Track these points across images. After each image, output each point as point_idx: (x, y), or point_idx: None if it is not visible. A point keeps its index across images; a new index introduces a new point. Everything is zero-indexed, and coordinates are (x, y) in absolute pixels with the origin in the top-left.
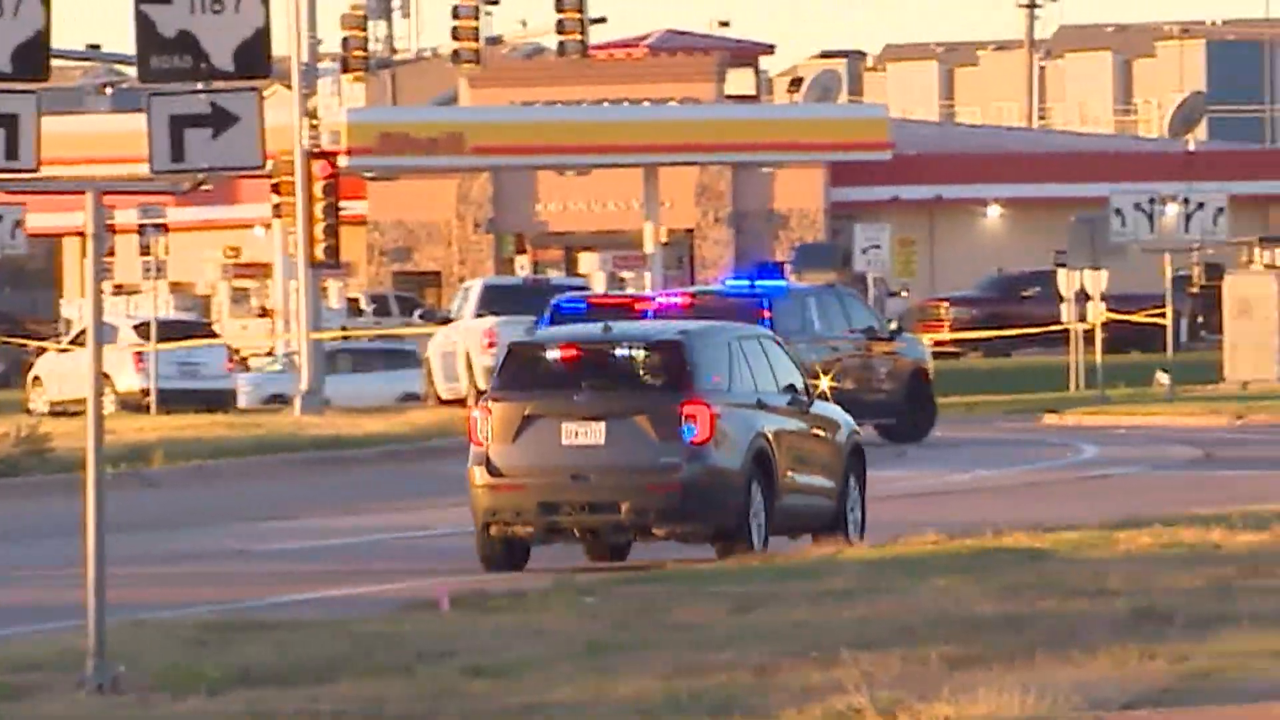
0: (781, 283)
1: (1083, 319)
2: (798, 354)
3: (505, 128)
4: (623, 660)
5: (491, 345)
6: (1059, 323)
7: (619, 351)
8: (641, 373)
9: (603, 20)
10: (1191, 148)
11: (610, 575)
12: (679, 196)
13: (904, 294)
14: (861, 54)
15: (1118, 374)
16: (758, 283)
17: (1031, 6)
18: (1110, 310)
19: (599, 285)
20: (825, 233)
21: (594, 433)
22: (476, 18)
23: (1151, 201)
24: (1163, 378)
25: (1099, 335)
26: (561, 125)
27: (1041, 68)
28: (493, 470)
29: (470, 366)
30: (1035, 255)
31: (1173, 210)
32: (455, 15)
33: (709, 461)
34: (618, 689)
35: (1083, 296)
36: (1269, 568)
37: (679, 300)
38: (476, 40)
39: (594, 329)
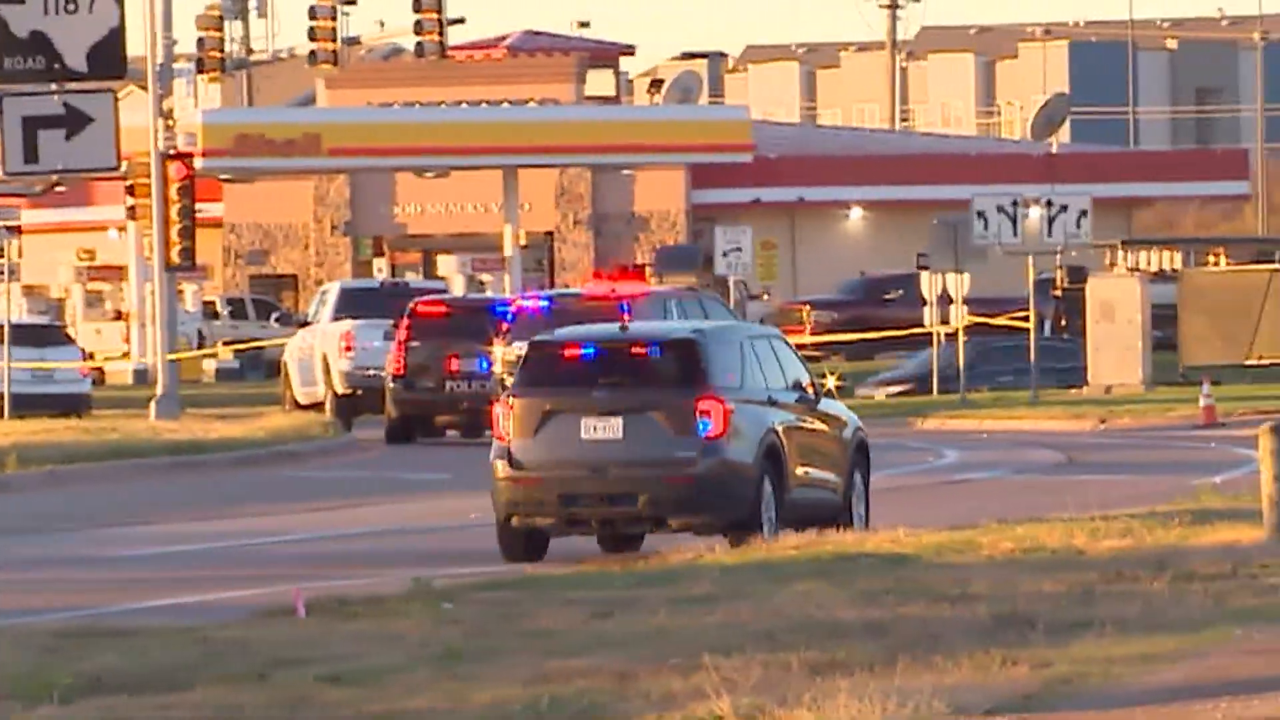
0: (642, 286)
1: (945, 322)
2: None
3: (363, 129)
4: (482, 667)
5: (349, 349)
6: (921, 326)
7: (636, 350)
8: (657, 370)
9: (461, 21)
10: (1054, 150)
11: (469, 580)
12: (538, 198)
13: (766, 297)
14: (722, 55)
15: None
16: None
17: (893, 7)
18: (973, 313)
19: (458, 288)
20: (686, 235)
21: (612, 428)
22: (334, 18)
23: (1014, 204)
24: None
25: (961, 338)
26: (420, 127)
27: (903, 69)
28: (514, 464)
29: (328, 370)
30: (897, 258)
31: (1035, 213)
32: (312, 16)
33: (723, 456)
34: (477, 696)
35: (945, 299)
36: (1131, 573)
37: (538, 304)
38: (334, 41)
39: (611, 328)
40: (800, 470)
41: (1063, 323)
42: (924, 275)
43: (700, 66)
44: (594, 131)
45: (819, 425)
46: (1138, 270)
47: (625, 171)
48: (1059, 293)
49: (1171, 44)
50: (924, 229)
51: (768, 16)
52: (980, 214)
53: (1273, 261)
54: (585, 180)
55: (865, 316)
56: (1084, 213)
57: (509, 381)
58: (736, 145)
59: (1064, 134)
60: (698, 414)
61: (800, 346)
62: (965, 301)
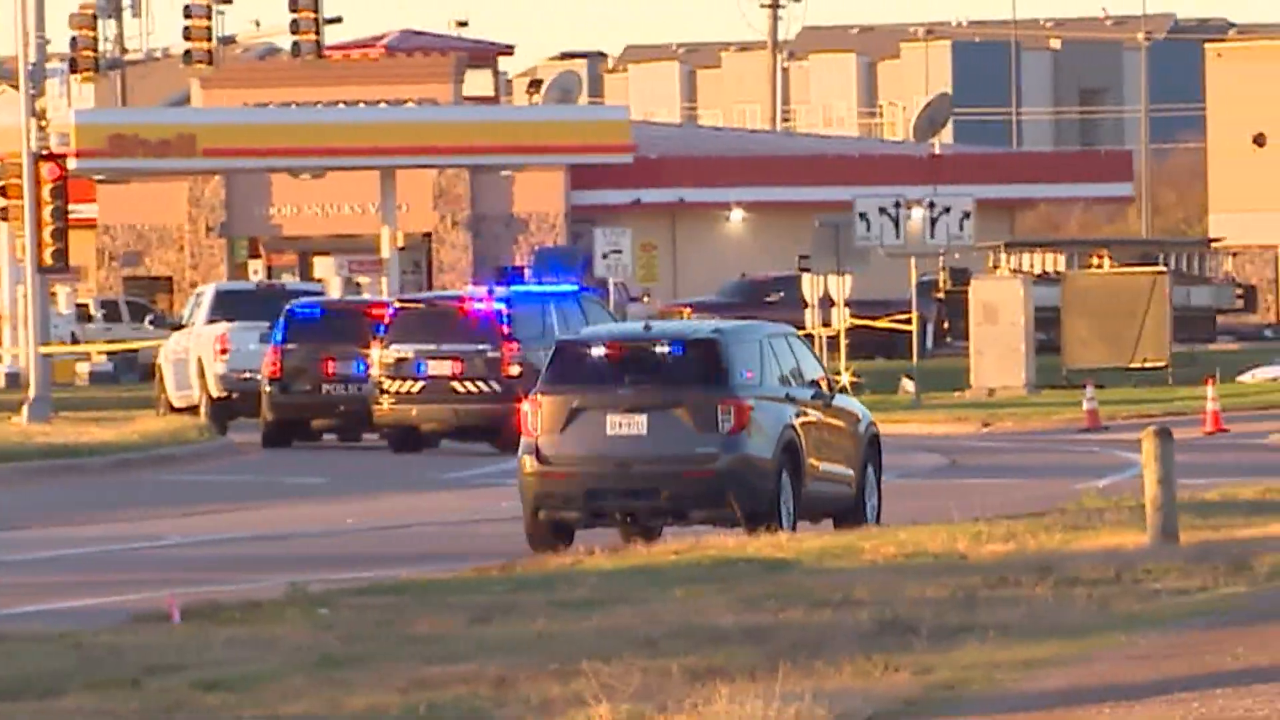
0: (522, 288)
1: (827, 324)
2: (537, 360)
3: (238, 130)
4: (358, 673)
5: (224, 352)
6: (803, 328)
7: (659, 349)
8: (680, 368)
9: (338, 20)
10: (937, 151)
11: (346, 586)
12: (416, 199)
13: (646, 299)
14: (602, 55)
15: (863, 380)
16: (497, 288)
17: (774, 7)
18: (855, 316)
19: (335, 290)
20: (566, 237)
21: (636, 424)
22: (209, 17)
23: (896, 205)
24: (908, 384)
25: (843, 341)
26: (296, 127)
27: (785, 69)
28: (542, 459)
29: (203, 373)
30: (779, 259)
31: (918, 214)
32: (187, 15)
33: (743, 451)
34: (353, 702)
35: (827, 302)
36: (1015, 578)
37: (417, 306)
38: (209, 40)
39: (635, 328)
40: (816, 464)
41: (945, 325)
42: (805, 277)
43: (580, 66)
44: (472, 132)
45: (834, 421)
46: (1021, 272)
47: (504, 172)
48: (941, 295)
49: (1055, 44)
50: (806, 230)
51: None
52: (862, 215)
53: (1157, 264)
54: (463, 181)
55: (747, 318)
56: (967, 214)
57: (386, 385)
58: (616, 146)
59: (947, 135)
60: (719, 411)
61: None
62: (847, 304)
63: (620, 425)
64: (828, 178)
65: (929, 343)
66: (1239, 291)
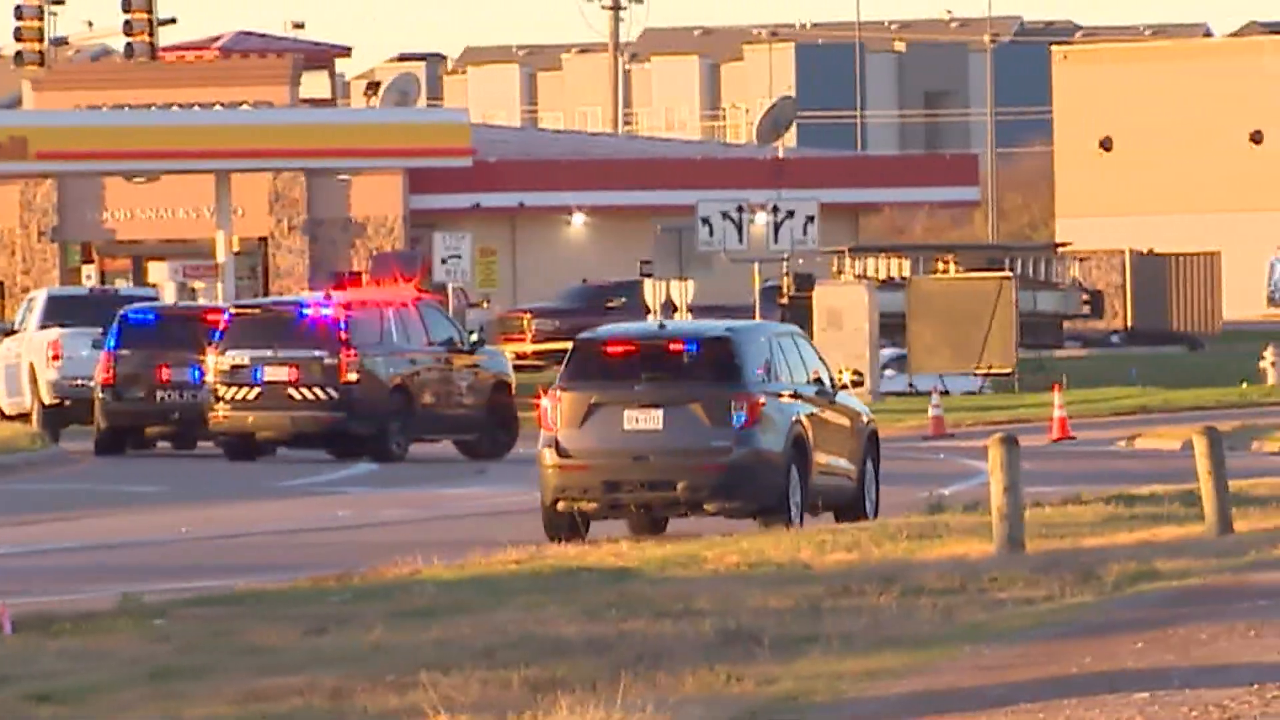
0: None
1: None
2: (375, 367)
3: (70, 132)
4: (193, 685)
5: (56, 358)
6: None
7: (674, 347)
8: (694, 365)
9: (172, 21)
10: (781, 154)
11: (181, 596)
12: (252, 204)
13: (485, 305)
14: (441, 57)
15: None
16: (334, 293)
17: (615, 9)
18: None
19: (169, 296)
20: (404, 241)
21: (653, 419)
22: (41, 18)
23: (740, 210)
24: None
25: None
26: (129, 130)
27: (626, 71)
28: (562, 452)
29: (35, 380)
30: (621, 265)
31: (762, 219)
32: (18, 15)
33: (755, 445)
34: (188, 714)
35: (669, 307)
36: (859, 587)
37: (253, 311)
38: (41, 41)
39: (650, 326)
40: (822, 458)
41: None
42: (647, 283)
43: (418, 68)
44: (309, 135)
45: (837, 417)
46: (865, 278)
47: (341, 176)
48: (785, 301)
49: (900, 46)
50: (648, 235)
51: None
52: (705, 220)
53: (1003, 269)
54: (300, 185)
55: (587, 325)
56: (811, 219)
57: (222, 392)
58: (455, 149)
59: (790, 138)
60: (732, 406)
61: (520, 356)
62: (689, 309)
63: (637, 420)
64: (670, 181)
65: None
66: (1086, 297)
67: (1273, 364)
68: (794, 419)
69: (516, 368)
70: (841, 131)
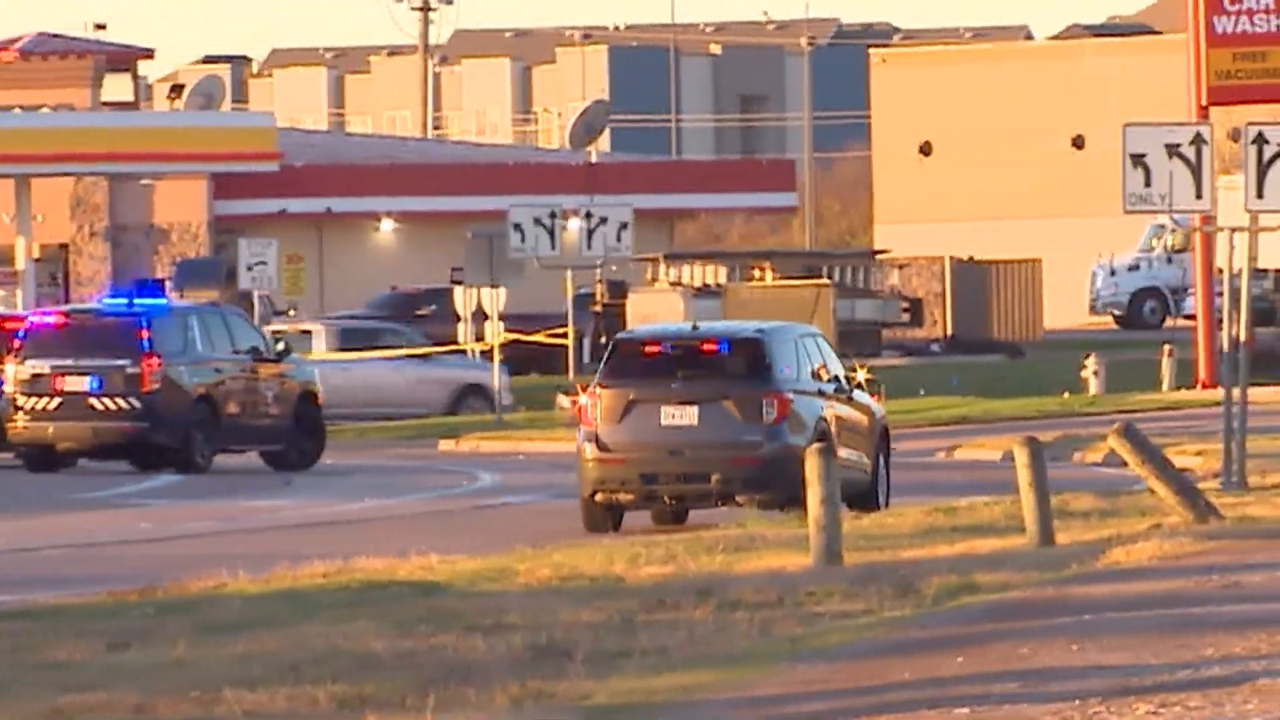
0: (162, 301)
1: (480, 339)
2: (178, 376)
3: None
4: None
5: None
6: (456, 343)
7: (708, 347)
8: (727, 365)
9: None
10: (594, 159)
11: None
12: (52, 209)
13: (292, 312)
14: (246, 59)
15: (517, 397)
16: (137, 300)
17: (425, 10)
18: (509, 330)
19: None
20: (209, 248)
21: (688, 415)
22: None
23: (552, 215)
24: (564, 401)
25: (497, 356)
26: None
27: (437, 74)
28: (601, 446)
29: None
30: (431, 272)
31: (575, 225)
32: None
33: (785, 440)
34: None
35: (480, 315)
36: (674, 601)
37: (53, 320)
38: None
39: (685, 328)
40: (841, 453)
41: (603, 339)
42: (458, 290)
43: (223, 71)
44: (111, 139)
45: (854, 413)
46: (681, 285)
47: (144, 181)
48: (599, 308)
49: (715, 49)
50: (458, 241)
51: (293, 19)
52: (516, 226)
53: (820, 276)
54: (102, 190)
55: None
56: (625, 225)
57: (21, 402)
58: (261, 154)
59: (604, 143)
60: (763, 403)
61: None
62: (501, 317)
63: (674, 416)
64: (481, 187)
65: (586, 358)
66: (905, 305)
67: (1094, 373)
68: (820, 415)
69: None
70: (656, 136)
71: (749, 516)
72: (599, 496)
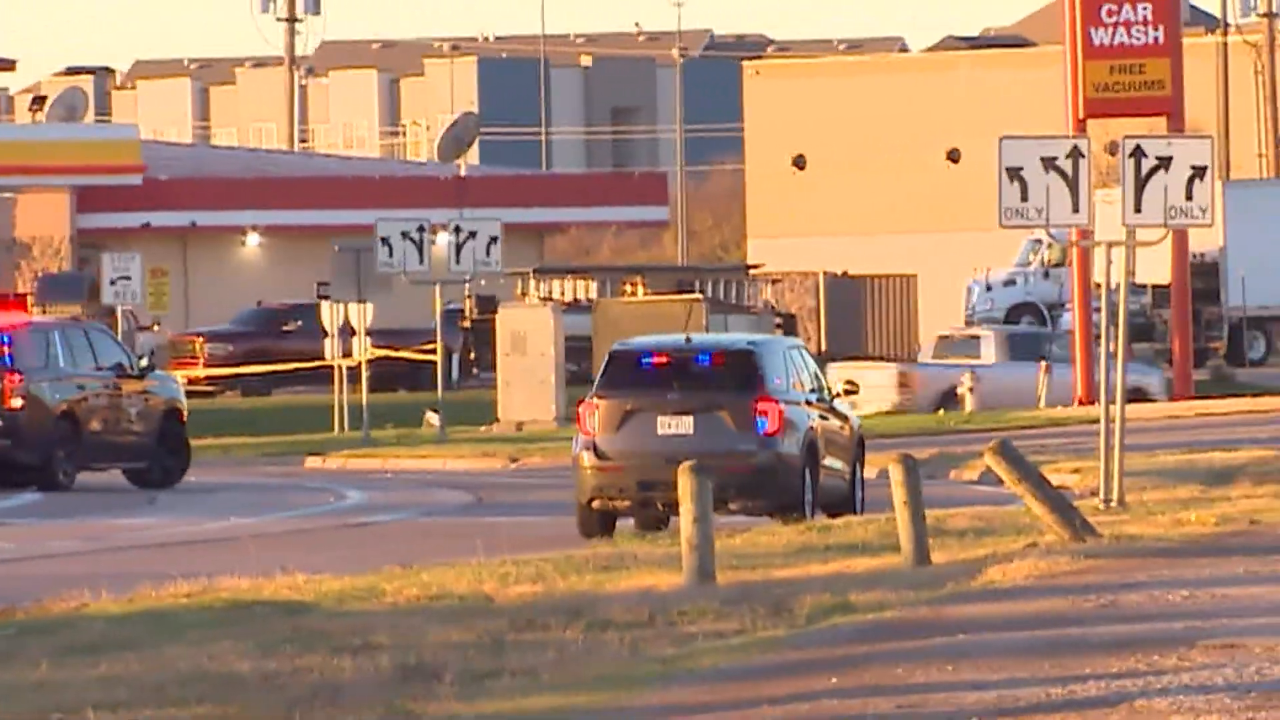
0: (23, 316)
1: (348, 355)
2: (40, 392)
3: None
4: None
5: None
6: (323, 359)
7: (701, 358)
8: (721, 376)
9: None
10: (463, 172)
11: None
12: None
13: (156, 328)
14: (110, 71)
15: (385, 414)
16: None
17: (291, 21)
18: (377, 346)
19: None
20: (72, 262)
21: (684, 424)
22: None
23: (420, 230)
24: (433, 418)
25: (365, 372)
26: None
27: (303, 86)
28: (599, 454)
29: None
30: (298, 286)
31: (443, 239)
32: None
33: (777, 449)
34: None
35: (347, 331)
36: (543, 621)
37: None
38: None
39: (679, 340)
40: (825, 460)
41: (472, 356)
42: (325, 305)
43: (86, 83)
44: None
45: (836, 423)
46: (551, 300)
47: (5, 194)
48: (468, 324)
49: (586, 60)
50: (325, 256)
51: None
52: (384, 240)
53: (693, 291)
54: None
55: (263, 349)
56: (494, 239)
57: None
58: (125, 166)
59: (474, 155)
60: (756, 413)
61: (193, 381)
62: (369, 333)
63: (670, 425)
64: (348, 201)
65: (455, 374)
66: (779, 320)
67: (970, 390)
68: (808, 425)
69: (189, 393)
70: (526, 149)
71: (620, 534)
72: (596, 503)
